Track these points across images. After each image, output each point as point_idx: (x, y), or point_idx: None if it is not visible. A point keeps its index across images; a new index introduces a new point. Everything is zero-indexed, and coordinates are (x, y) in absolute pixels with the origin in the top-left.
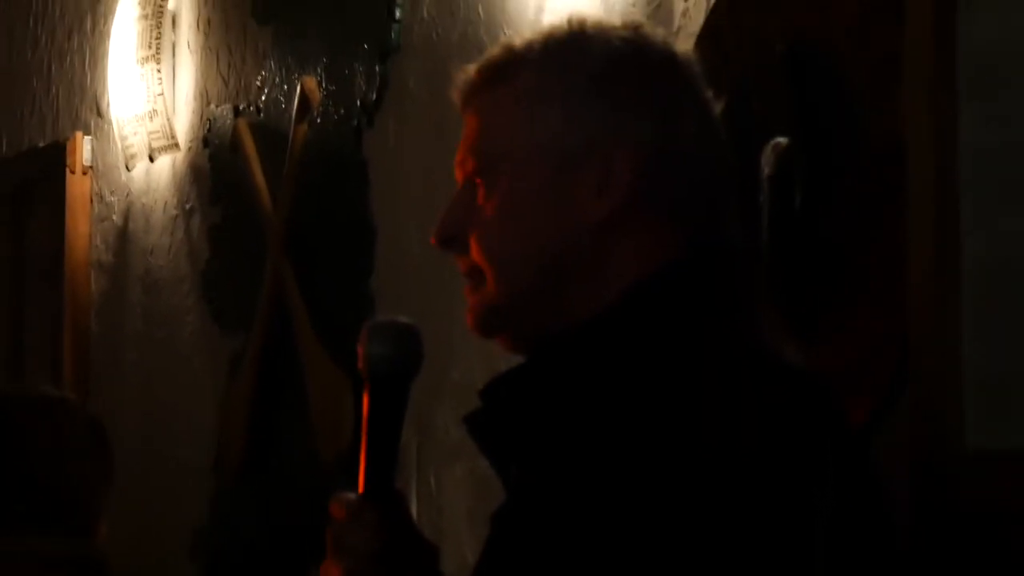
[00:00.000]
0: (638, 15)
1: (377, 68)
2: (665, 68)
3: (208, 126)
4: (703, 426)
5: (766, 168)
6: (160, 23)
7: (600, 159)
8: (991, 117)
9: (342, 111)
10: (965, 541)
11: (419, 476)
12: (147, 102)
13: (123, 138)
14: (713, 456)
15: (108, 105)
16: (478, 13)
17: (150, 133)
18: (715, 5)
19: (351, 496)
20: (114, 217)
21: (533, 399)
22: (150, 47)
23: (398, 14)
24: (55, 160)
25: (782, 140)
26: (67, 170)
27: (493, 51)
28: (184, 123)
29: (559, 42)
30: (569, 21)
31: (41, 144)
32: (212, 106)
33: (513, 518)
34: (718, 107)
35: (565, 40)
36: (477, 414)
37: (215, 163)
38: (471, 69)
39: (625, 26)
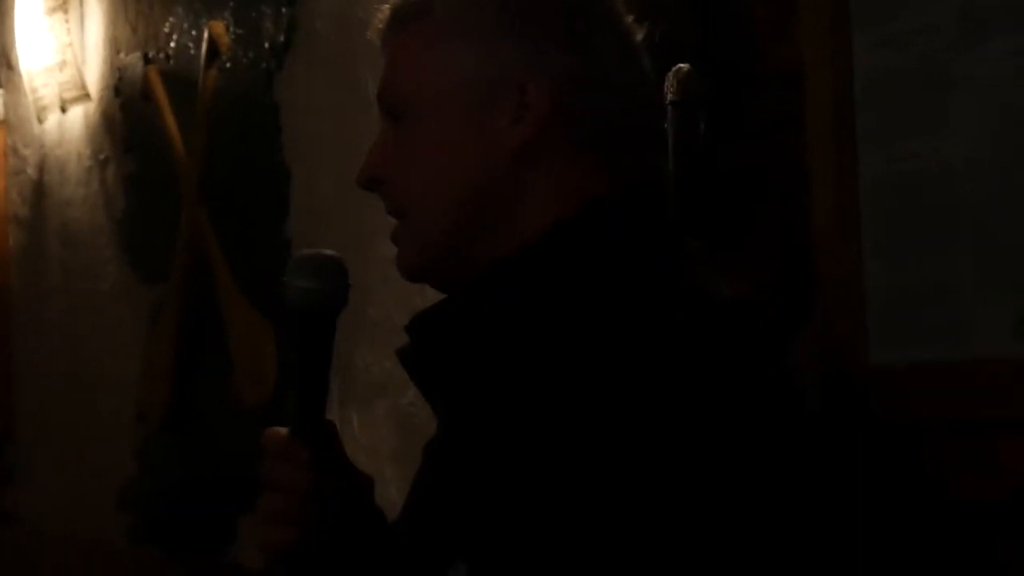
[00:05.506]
0: None
1: (284, 10)
2: None
3: (119, 75)
4: (637, 356)
5: (669, 94)
6: None
7: (515, 90)
8: (884, 41)
9: (251, 55)
10: (872, 454)
11: (340, 415)
12: (56, 53)
13: (34, 90)
14: (647, 388)
15: (18, 57)
16: None
17: (61, 84)
18: None
19: (281, 432)
20: (29, 170)
21: (455, 335)
22: None
23: None
24: None
25: (684, 66)
26: None
27: None
28: (95, 73)
29: None
30: None
31: None
32: (122, 55)
33: (442, 452)
34: (639, 33)
35: None
36: (407, 348)
37: (127, 112)
38: (385, 8)
39: None
